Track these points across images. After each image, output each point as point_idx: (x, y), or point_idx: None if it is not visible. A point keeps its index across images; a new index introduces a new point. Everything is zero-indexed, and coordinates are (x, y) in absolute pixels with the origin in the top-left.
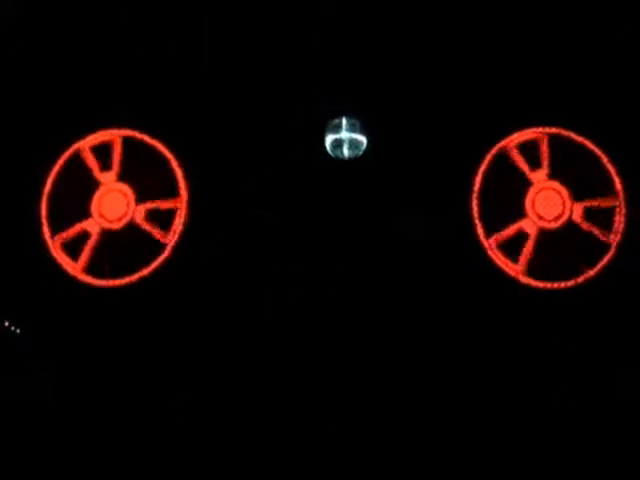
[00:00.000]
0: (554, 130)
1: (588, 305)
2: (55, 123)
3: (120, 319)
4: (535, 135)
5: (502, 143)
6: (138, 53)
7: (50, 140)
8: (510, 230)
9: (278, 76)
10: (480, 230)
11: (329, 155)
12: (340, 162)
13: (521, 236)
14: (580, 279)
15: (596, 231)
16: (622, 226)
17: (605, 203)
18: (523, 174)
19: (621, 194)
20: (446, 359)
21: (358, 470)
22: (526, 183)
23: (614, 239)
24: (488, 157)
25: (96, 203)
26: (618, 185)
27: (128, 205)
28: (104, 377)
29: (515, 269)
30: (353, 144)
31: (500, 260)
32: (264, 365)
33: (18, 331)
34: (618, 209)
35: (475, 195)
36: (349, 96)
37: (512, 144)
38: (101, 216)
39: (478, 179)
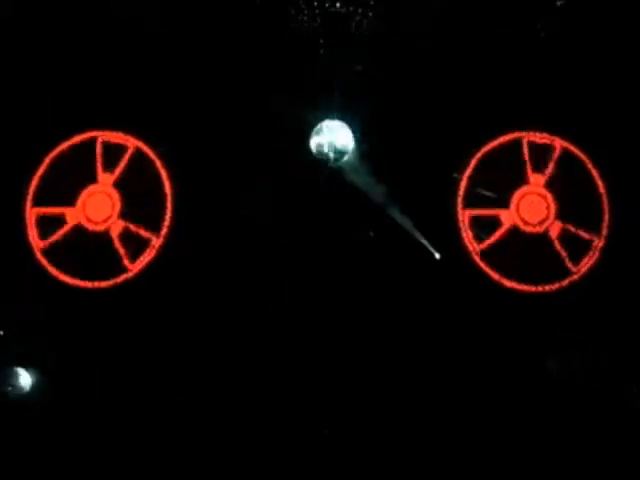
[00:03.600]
0: (509, 137)
1: (572, 308)
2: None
3: (104, 320)
4: (550, 141)
5: (516, 134)
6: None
7: (61, 126)
8: (487, 212)
9: (267, 77)
10: (465, 234)
11: (315, 158)
12: (327, 165)
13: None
14: (564, 282)
15: (563, 254)
16: (605, 230)
17: (585, 234)
18: (524, 170)
19: (604, 198)
20: (432, 361)
21: (353, 469)
22: (521, 180)
23: (597, 244)
24: (473, 161)
25: (84, 197)
26: (601, 189)
27: (110, 216)
28: (89, 378)
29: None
30: (337, 149)
31: (484, 264)
32: (255, 364)
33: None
34: (602, 213)
35: (460, 200)
36: (337, 102)
37: (527, 138)
38: (83, 210)
39: (463, 184)
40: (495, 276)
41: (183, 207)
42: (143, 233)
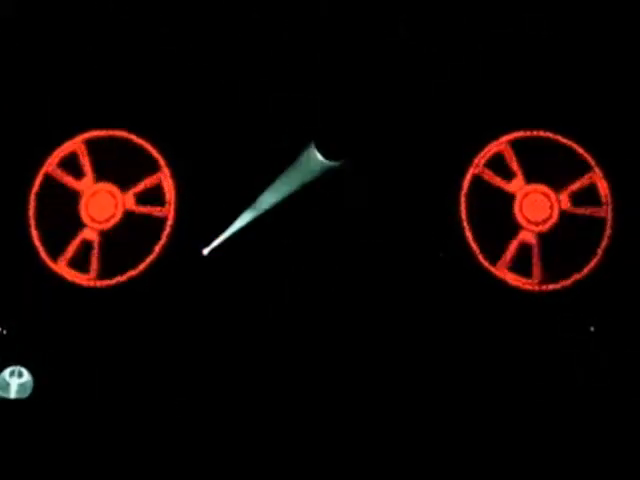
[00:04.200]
0: (514, 135)
1: (576, 307)
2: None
3: (110, 320)
4: (498, 148)
5: (471, 169)
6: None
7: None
8: (512, 248)
9: (265, 82)
10: (468, 233)
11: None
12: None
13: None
14: (568, 282)
15: (589, 211)
16: (610, 230)
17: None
18: (501, 189)
19: (609, 198)
20: (436, 360)
21: (354, 468)
22: (509, 196)
23: (602, 244)
24: (465, 182)
25: (84, 210)
26: (605, 190)
27: (115, 198)
28: (90, 377)
29: (524, 280)
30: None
31: (488, 263)
32: (255, 364)
33: (5, 332)
34: (606, 214)
35: (463, 199)
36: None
37: (480, 165)
38: (93, 220)
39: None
40: (498, 274)
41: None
42: (95, 261)
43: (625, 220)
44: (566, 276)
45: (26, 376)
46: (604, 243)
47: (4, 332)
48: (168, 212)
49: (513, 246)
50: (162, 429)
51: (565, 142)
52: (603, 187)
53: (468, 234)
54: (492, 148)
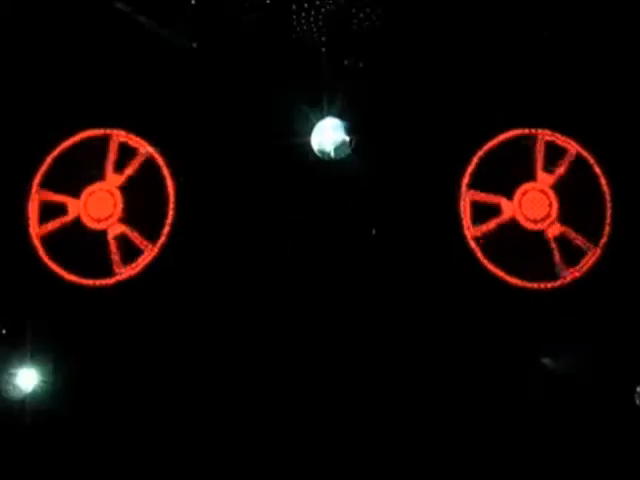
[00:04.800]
0: (512, 134)
1: (574, 305)
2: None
3: (110, 319)
4: (566, 143)
5: (533, 131)
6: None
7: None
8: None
9: (267, 79)
10: (468, 231)
11: (316, 156)
12: (327, 164)
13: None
14: (566, 279)
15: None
16: (608, 228)
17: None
18: (534, 167)
19: (608, 196)
20: (432, 358)
21: (355, 468)
22: (528, 176)
23: (601, 242)
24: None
25: (88, 193)
26: (607, 196)
27: (111, 215)
28: (91, 377)
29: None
30: (336, 146)
31: (487, 261)
32: (256, 365)
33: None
34: (605, 211)
35: (463, 195)
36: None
37: (543, 136)
38: (85, 205)
39: (465, 181)
40: (497, 272)
41: (185, 217)
42: (139, 241)
43: (624, 218)
44: (566, 274)
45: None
46: (603, 241)
47: (3, 332)
48: (152, 249)
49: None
50: (163, 427)
51: (564, 141)
52: (603, 183)
53: (468, 234)
54: (489, 147)
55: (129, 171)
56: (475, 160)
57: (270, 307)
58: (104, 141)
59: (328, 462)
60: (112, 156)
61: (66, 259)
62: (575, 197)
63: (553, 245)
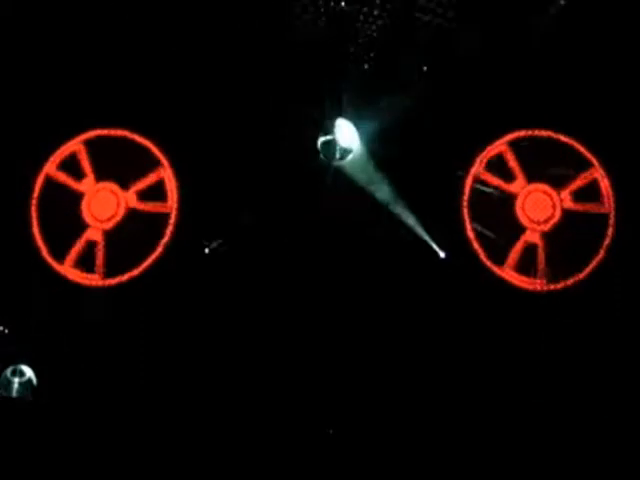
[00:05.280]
0: (515, 135)
1: (577, 307)
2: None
3: (111, 319)
4: (498, 149)
5: (471, 172)
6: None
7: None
8: (517, 248)
9: (270, 80)
10: (470, 234)
11: (321, 157)
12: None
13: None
14: (569, 282)
15: (591, 208)
16: (611, 229)
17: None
18: (502, 190)
19: (611, 199)
20: (434, 359)
21: (355, 468)
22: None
23: (604, 243)
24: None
25: (87, 210)
26: (606, 190)
27: (117, 196)
28: (91, 377)
29: (528, 280)
30: (342, 147)
31: (490, 263)
32: (257, 365)
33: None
34: (608, 214)
35: (465, 202)
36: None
37: (480, 168)
38: (96, 219)
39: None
40: (500, 273)
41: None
42: (99, 262)
43: (627, 219)
44: (568, 276)
45: (28, 374)
46: (606, 242)
47: (5, 331)
48: (171, 209)
49: (518, 247)
50: (163, 427)
51: (566, 141)
52: (605, 185)
53: (470, 234)
54: (493, 149)
55: (141, 185)
56: (499, 147)
57: (271, 307)
58: (137, 146)
59: (328, 462)
60: (147, 181)
61: (74, 260)
62: (574, 233)
63: (519, 246)
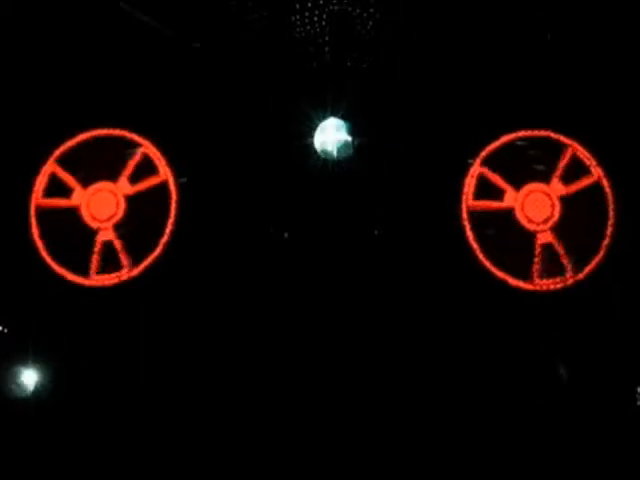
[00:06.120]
0: (513, 136)
1: (577, 307)
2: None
3: (111, 319)
4: (478, 172)
5: (472, 170)
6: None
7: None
8: (537, 256)
9: (269, 79)
10: (469, 233)
11: (319, 156)
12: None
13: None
14: (569, 282)
15: (583, 183)
16: (611, 229)
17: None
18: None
19: (611, 199)
20: (437, 360)
21: (356, 468)
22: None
23: (604, 243)
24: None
25: (89, 217)
26: (607, 189)
27: (111, 191)
28: (92, 377)
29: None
30: (340, 146)
31: (489, 263)
32: (257, 365)
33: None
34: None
35: (465, 198)
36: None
37: (574, 148)
38: (101, 221)
39: (468, 181)
40: (499, 274)
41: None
42: (123, 256)
43: (627, 218)
44: (567, 275)
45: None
46: (606, 242)
47: (5, 331)
48: (165, 176)
49: (537, 254)
50: (164, 427)
51: (565, 141)
52: (585, 155)
53: (469, 234)
54: (474, 172)
55: (141, 187)
56: (499, 143)
57: (271, 308)
58: (133, 146)
59: (328, 462)
60: (132, 163)
61: (59, 251)
62: (579, 216)
63: (538, 251)
